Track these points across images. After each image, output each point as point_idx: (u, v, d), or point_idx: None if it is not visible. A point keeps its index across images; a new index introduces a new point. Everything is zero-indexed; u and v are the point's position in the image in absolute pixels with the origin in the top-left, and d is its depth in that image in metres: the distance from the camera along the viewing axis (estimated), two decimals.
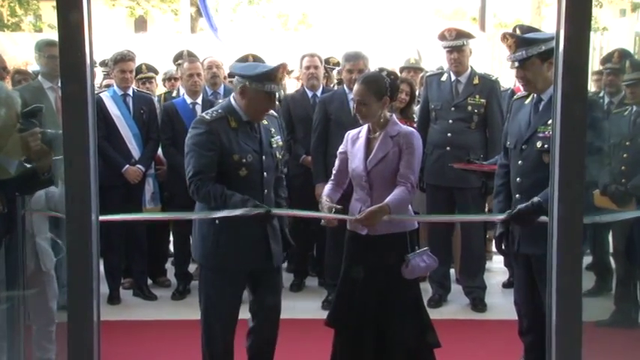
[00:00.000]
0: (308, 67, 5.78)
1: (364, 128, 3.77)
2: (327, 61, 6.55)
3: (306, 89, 5.86)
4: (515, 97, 3.88)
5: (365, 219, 3.50)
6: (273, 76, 3.50)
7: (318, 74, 5.81)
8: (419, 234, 5.98)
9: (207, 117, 3.51)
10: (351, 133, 3.83)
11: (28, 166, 3.11)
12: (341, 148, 3.85)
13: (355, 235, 3.70)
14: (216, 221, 3.47)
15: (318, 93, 5.78)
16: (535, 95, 3.62)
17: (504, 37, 3.59)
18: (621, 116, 4.90)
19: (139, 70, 6.49)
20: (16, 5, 15.89)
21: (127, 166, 5.40)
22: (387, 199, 3.52)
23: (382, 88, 3.62)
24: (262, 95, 3.50)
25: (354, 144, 3.76)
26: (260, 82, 3.47)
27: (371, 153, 3.66)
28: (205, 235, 3.57)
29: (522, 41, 3.51)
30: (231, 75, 6.29)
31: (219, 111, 3.54)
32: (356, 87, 3.68)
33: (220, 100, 5.13)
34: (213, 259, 3.57)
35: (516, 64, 3.54)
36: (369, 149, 3.68)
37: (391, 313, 3.63)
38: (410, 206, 3.81)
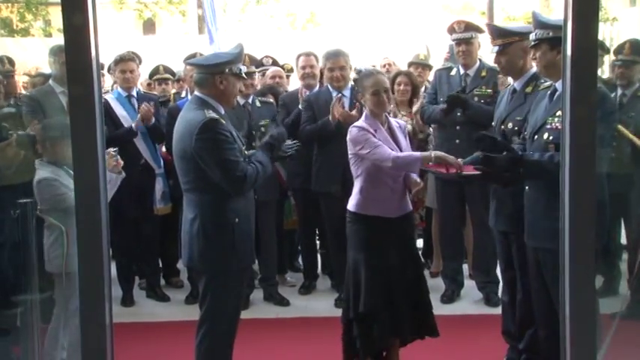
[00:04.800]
0: (304, 67, 5.76)
1: (377, 122, 3.88)
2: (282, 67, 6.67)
3: (303, 88, 5.85)
4: (542, 87, 3.88)
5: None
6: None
7: (314, 73, 5.77)
8: (430, 229, 6.02)
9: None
10: (366, 126, 3.87)
11: None
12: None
13: (380, 219, 3.83)
14: (236, 219, 3.45)
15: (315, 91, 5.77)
16: (553, 85, 3.61)
17: (533, 16, 3.68)
18: None
19: (155, 71, 6.53)
20: (25, 10, 15.92)
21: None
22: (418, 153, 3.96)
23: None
24: None
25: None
26: None
27: (399, 142, 3.93)
28: (220, 235, 3.46)
29: (537, 22, 3.58)
30: None
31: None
32: (379, 78, 3.89)
33: None
34: (229, 260, 3.48)
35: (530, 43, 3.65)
36: (394, 139, 3.92)
37: (418, 281, 3.92)
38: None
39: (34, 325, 3.17)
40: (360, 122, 3.90)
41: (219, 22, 9.48)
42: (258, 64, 6.49)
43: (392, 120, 4.04)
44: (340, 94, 5.31)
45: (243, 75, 3.66)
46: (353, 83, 4.97)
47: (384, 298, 3.79)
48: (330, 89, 5.38)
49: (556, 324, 3.50)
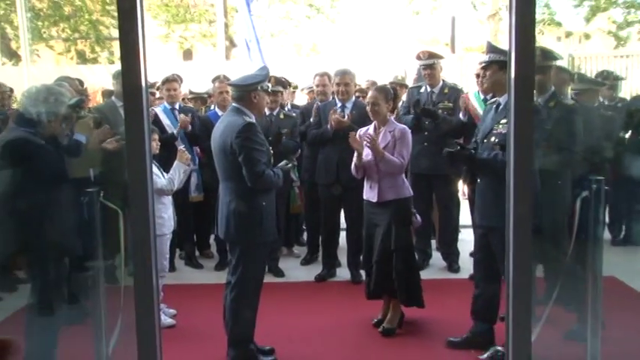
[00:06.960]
0: (317, 85, 5.72)
1: (371, 127, 4.15)
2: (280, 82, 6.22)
3: (318, 102, 5.82)
4: (489, 101, 3.86)
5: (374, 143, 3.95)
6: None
7: (326, 90, 5.72)
8: None
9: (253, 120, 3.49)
10: (362, 131, 4.19)
11: None
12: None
13: (369, 202, 4.08)
14: (263, 203, 3.43)
15: None
16: (497, 100, 3.62)
17: (487, 43, 3.74)
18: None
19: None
20: (94, 44, 16.26)
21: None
22: (385, 154, 3.97)
23: (389, 95, 4.10)
24: None
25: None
26: None
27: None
28: (252, 215, 3.43)
29: (490, 48, 3.64)
30: None
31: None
32: (370, 93, 4.12)
33: None
34: (258, 235, 3.46)
35: (483, 64, 3.70)
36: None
37: (393, 250, 3.96)
38: (406, 182, 4.14)
39: (101, 285, 3.18)
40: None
41: (251, 50, 9.43)
42: (285, 84, 6.47)
43: (393, 126, 4.08)
44: (341, 106, 5.20)
45: (269, 91, 3.69)
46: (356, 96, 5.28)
47: (369, 260, 4.08)
48: (337, 101, 5.27)
49: (491, 285, 3.56)
